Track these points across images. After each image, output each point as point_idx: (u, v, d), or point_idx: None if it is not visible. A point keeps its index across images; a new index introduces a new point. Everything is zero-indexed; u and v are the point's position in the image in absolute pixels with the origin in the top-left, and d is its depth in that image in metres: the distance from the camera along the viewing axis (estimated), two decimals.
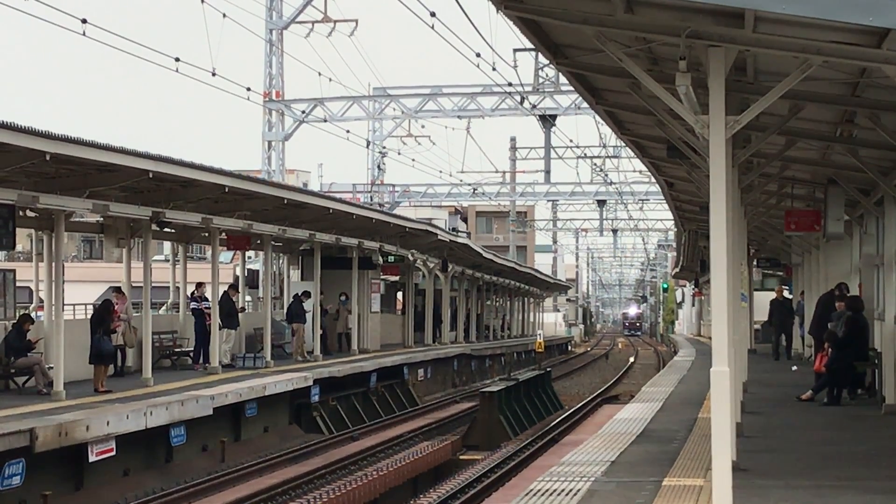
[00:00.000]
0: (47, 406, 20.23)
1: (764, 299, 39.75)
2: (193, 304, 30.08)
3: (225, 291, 30.70)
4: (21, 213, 22.76)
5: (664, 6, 10.39)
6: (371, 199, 57.94)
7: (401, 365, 37.14)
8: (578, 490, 12.80)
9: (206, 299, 30.05)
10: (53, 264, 23.34)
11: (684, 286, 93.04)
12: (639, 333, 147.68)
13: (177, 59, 30.28)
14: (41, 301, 27.56)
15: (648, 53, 12.93)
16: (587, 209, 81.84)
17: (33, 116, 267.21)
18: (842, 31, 9.89)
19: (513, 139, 74.94)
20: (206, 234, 29.56)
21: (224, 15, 34.38)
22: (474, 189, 62.76)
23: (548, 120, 51.18)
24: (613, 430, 18.20)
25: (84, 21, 25.80)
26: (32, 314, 26.10)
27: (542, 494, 12.69)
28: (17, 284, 33.38)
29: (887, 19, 9.27)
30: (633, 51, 12.13)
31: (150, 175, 22.15)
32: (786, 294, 36.63)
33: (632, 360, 67.02)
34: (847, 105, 14.79)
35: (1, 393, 22.78)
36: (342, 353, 37.34)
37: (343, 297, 38.01)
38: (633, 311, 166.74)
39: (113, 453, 19.45)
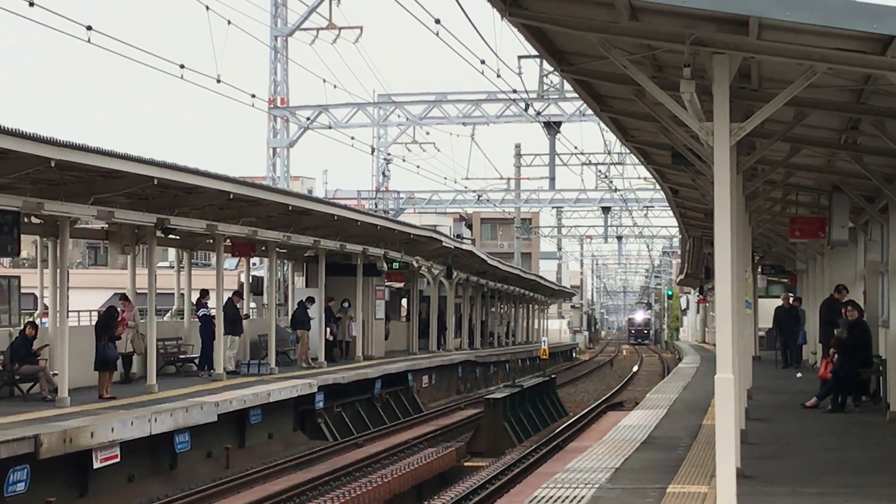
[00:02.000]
0: (52, 412, 20.24)
1: (769, 306, 39.68)
2: (203, 311, 30.07)
3: (229, 298, 30.70)
4: (26, 219, 22.79)
5: (668, 13, 10.39)
6: (376, 206, 57.96)
7: (405, 372, 37.12)
8: (583, 497, 12.80)
9: (207, 306, 30.06)
10: (58, 271, 23.35)
11: (689, 293, 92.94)
12: (646, 342, 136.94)
13: (182, 66, 30.33)
14: (46, 308, 27.61)
15: (653, 60, 12.93)
16: (592, 216, 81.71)
17: (38, 123, 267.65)
18: (846, 38, 9.89)
19: (517, 146, 74.94)
20: (211, 241, 29.58)
21: (229, 22, 34.39)
22: (479, 196, 62.77)
23: (552, 127, 51.17)
24: (618, 437, 18.20)
25: (89, 28, 25.84)
26: (37, 321, 26.13)
27: (547, 501, 12.69)
28: (22, 291, 33.46)
29: (892, 26, 9.28)
30: (637, 58, 12.14)
31: (155, 182, 22.19)
32: (791, 301, 36.49)
33: (635, 368, 66.94)
34: (852, 112, 14.78)
35: (6, 399, 22.80)
36: (348, 360, 37.25)
37: (345, 304, 37.89)
38: (639, 316, 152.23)
39: (117, 460, 19.47)
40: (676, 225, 47.05)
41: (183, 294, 33.24)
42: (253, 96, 36.67)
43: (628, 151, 32.96)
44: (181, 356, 30.51)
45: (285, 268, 42.47)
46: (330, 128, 48.24)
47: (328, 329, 35.89)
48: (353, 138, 47.80)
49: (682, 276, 74.37)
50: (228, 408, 23.68)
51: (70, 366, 22.24)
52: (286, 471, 23.21)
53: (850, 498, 12.71)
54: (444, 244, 43.92)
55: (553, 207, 76.70)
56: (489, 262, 54.55)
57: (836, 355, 21.66)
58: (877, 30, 9.34)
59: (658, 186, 35.38)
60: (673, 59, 12.14)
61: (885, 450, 16.56)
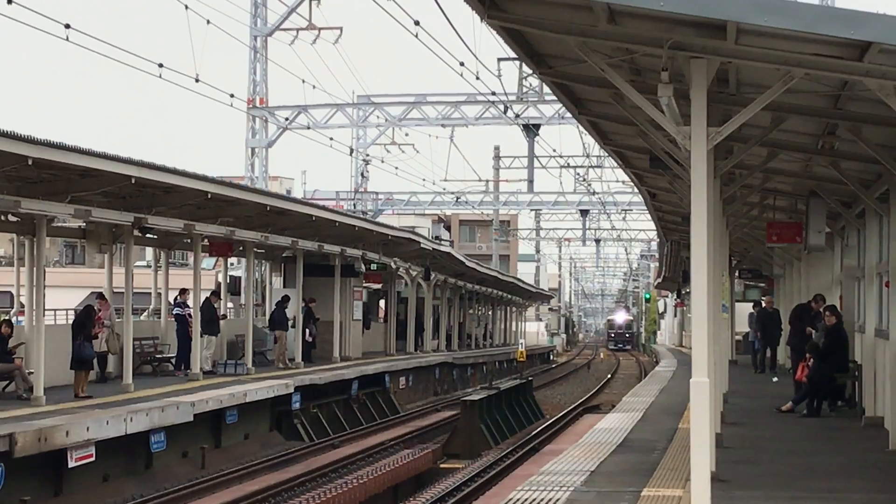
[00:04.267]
0: (27, 411, 20.16)
1: (746, 310, 39.74)
2: (177, 310, 29.98)
3: (207, 298, 30.64)
4: (3, 217, 22.72)
5: (647, 17, 10.41)
6: (354, 207, 57.91)
7: (382, 373, 37.08)
8: (558, 500, 12.82)
9: (188, 306, 29.97)
10: (35, 269, 23.26)
11: (667, 297, 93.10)
12: (628, 347, 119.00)
13: (160, 65, 30.24)
14: (22, 306, 27.49)
15: (631, 64, 12.96)
16: (570, 219, 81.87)
17: (16, 121, 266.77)
18: (824, 43, 9.92)
19: (496, 148, 75.08)
20: (189, 241, 29.50)
21: (208, 21, 34.30)
22: (457, 197, 62.78)
23: (531, 129, 51.20)
24: (594, 440, 18.22)
25: (67, 26, 25.75)
26: (13, 319, 26.01)
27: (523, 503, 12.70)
28: None
29: (869, 32, 9.31)
30: (615, 61, 12.16)
31: (133, 181, 22.12)
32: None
33: (609, 375, 66.98)
34: (829, 117, 14.83)
35: None
36: (323, 362, 37.11)
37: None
38: (620, 317, 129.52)
39: (92, 459, 19.39)
40: (654, 228, 47.17)
41: (160, 293, 33.15)
42: (232, 96, 36.65)
43: (606, 155, 33.02)
44: (157, 355, 30.43)
45: (263, 268, 42.39)
46: (309, 128, 48.18)
47: (307, 330, 35.79)
48: (331, 139, 47.77)
49: (659, 280, 74.51)
50: (204, 408, 23.62)
51: (46, 364, 22.15)
52: (262, 471, 23.16)
53: (824, 502, 12.76)
54: (422, 246, 43.91)
55: (531, 210, 76.74)
56: (467, 263, 54.57)
57: (811, 360, 21.74)
58: (854, 36, 9.37)
59: (636, 190, 35.47)
60: (651, 63, 12.16)
61: (860, 455, 16.61)
